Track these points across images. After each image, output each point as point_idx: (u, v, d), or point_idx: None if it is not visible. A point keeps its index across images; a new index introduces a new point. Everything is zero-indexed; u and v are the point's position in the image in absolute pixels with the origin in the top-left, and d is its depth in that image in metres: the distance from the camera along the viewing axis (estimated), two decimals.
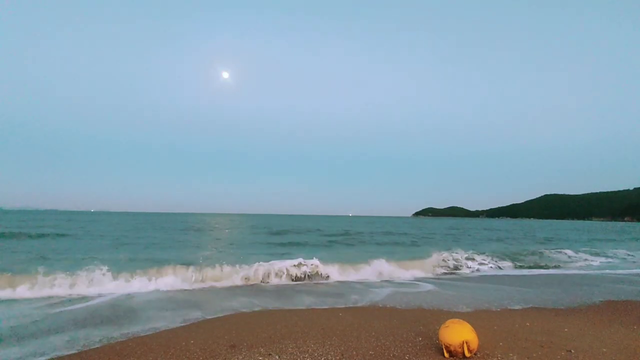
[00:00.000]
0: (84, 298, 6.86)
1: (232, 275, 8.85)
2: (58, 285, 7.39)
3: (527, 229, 49.18)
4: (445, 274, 10.98)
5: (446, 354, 3.67)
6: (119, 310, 5.93)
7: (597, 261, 14.87)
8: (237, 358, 3.72)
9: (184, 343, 4.21)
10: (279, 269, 9.22)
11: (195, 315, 5.65)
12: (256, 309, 6.12)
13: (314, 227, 39.91)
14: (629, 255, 17.13)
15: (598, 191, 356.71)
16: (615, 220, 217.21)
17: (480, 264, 12.75)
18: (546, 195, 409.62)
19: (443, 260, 12.21)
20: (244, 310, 6.02)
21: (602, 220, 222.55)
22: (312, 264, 9.71)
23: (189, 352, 3.92)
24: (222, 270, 9.05)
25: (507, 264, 13.08)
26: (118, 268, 8.73)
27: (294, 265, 9.52)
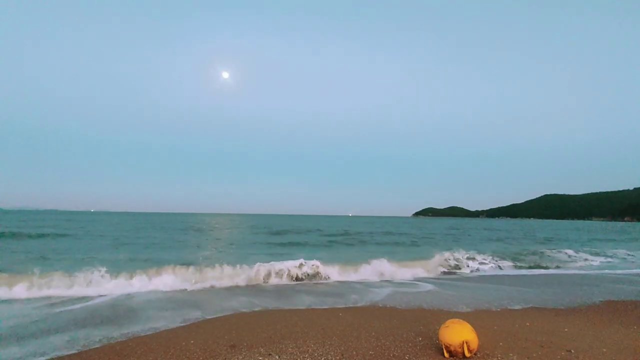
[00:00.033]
0: (83, 298, 6.86)
1: (232, 276, 8.86)
2: (58, 285, 7.40)
3: (527, 229, 49.22)
4: (445, 273, 10.98)
5: (446, 354, 3.67)
6: (119, 310, 5.94)
7: (597, 261, 14.88)
8: (237, 358, 3.72)
9: (184, 343, 4.22)
10: (280, 270, 9.23)
11: (195, 315, 5.65)
12: (256, 309, 6.13)
13: (314, 227, 39.93)
14: (629, 255, 17.14)
15: (598, 191, 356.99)
16: (615, 220, 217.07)
17: (481, 263, 12.75)
18: (546, 195, 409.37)
19: (444, 260, 12.21)
20: (244, 310, 6.03)
21: (602, 220, 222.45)
22: (312, 265, 9.72)
23: (189, 352, 3.92)
24: (222, 271, 9.06)
25: (507, 264, 13.07)
26: (118, 268, 8.75)
27: (295, 267, 9.53)
